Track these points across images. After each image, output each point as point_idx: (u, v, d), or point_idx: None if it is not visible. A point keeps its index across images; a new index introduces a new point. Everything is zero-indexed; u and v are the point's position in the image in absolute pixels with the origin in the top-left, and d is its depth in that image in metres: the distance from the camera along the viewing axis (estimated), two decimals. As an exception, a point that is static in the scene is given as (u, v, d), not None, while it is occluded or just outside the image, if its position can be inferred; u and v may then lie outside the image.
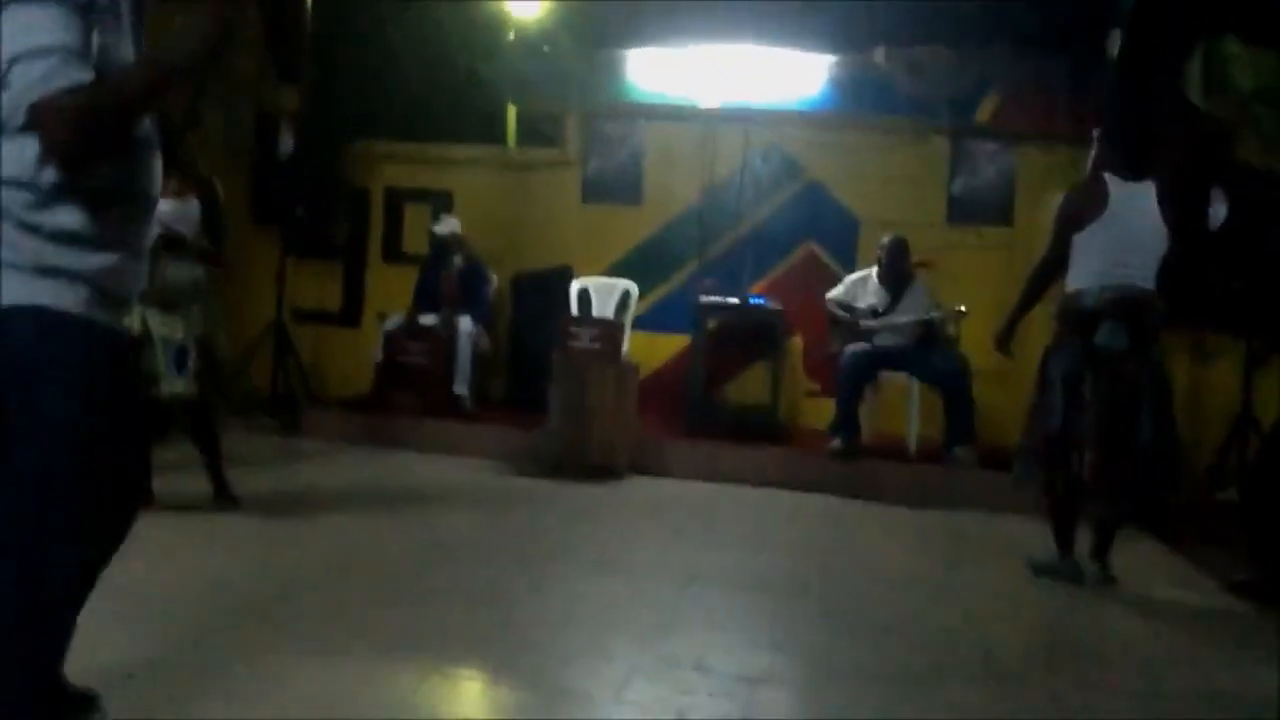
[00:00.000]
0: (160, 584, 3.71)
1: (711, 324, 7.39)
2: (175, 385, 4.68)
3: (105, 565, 2.18)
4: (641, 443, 6.70)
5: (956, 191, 7.80)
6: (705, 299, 7.33)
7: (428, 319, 7.38)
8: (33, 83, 1.77)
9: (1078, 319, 4.52)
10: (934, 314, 6.71)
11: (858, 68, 7.75)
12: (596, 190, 8.34)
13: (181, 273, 4.77)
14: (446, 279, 7.50)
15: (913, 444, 6.74)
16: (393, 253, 8.54)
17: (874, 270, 6.98)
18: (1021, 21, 7.33)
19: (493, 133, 8.20)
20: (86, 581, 2.07)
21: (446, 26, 8.00)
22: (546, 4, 7.80)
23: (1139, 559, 5.36)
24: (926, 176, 7.78)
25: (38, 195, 1.84)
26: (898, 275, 6.85)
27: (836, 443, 6.56)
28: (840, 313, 6.99)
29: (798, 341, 7.87)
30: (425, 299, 7.54)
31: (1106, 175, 4.66)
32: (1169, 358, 7.09)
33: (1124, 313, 4.47)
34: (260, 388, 7.59)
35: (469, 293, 7.47)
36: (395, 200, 8.55)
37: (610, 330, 6.77)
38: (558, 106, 8.23)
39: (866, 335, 6.78)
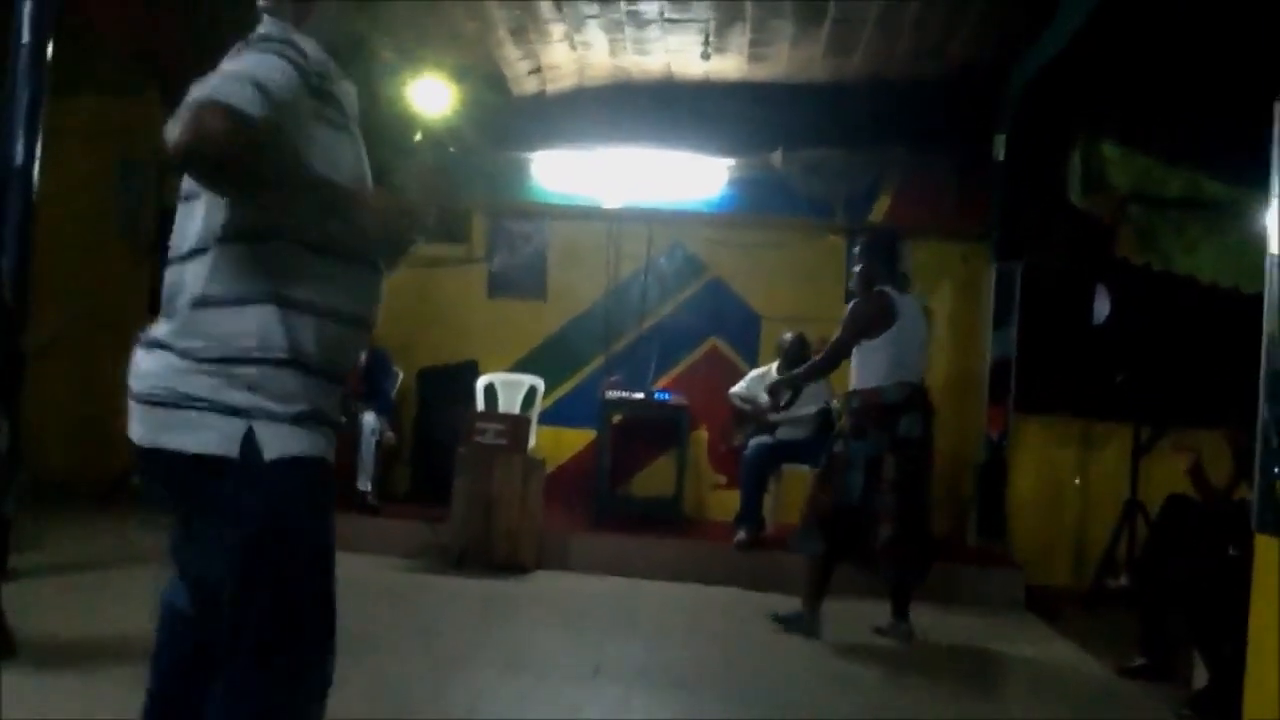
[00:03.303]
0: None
1: (617, 418, 7.44)
2: None
3: None
4: (547, 537, 6.66)
5: (853, 287, 7.99)
6: (611, 394, 7.38)
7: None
8: (200, 89, 1.76)
9: (882, 412, 5.01)
10: (832, 403, 6.84)
11: (756, 169, 7.96)
12: (502, 286, 8.38)
13: None
14: (351, 372, 7.42)
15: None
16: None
17: (774, 365, 7.12)
18: (912, 124, 7.66)
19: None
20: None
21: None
22: (453, 106, 7.91)
23: (1031, 645, 5.47)
24: (824, 272, 7.98)
25: (297, 320, 1.93)
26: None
27: (741, 535, 6.61)
28: (744, 405, 7.10)
29: (702, 435, 7.94)
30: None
31: (887, 289, 5.19)
32: (1061, 446, 7.37)
33: (917, 406, 5.10)
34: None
35: (372, 386, 7.39)
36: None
37: (516, 425, 6.76)
38: (464, 204, 8.30)
39: (769, 428, 6.88)
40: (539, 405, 7.73)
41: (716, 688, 4.32)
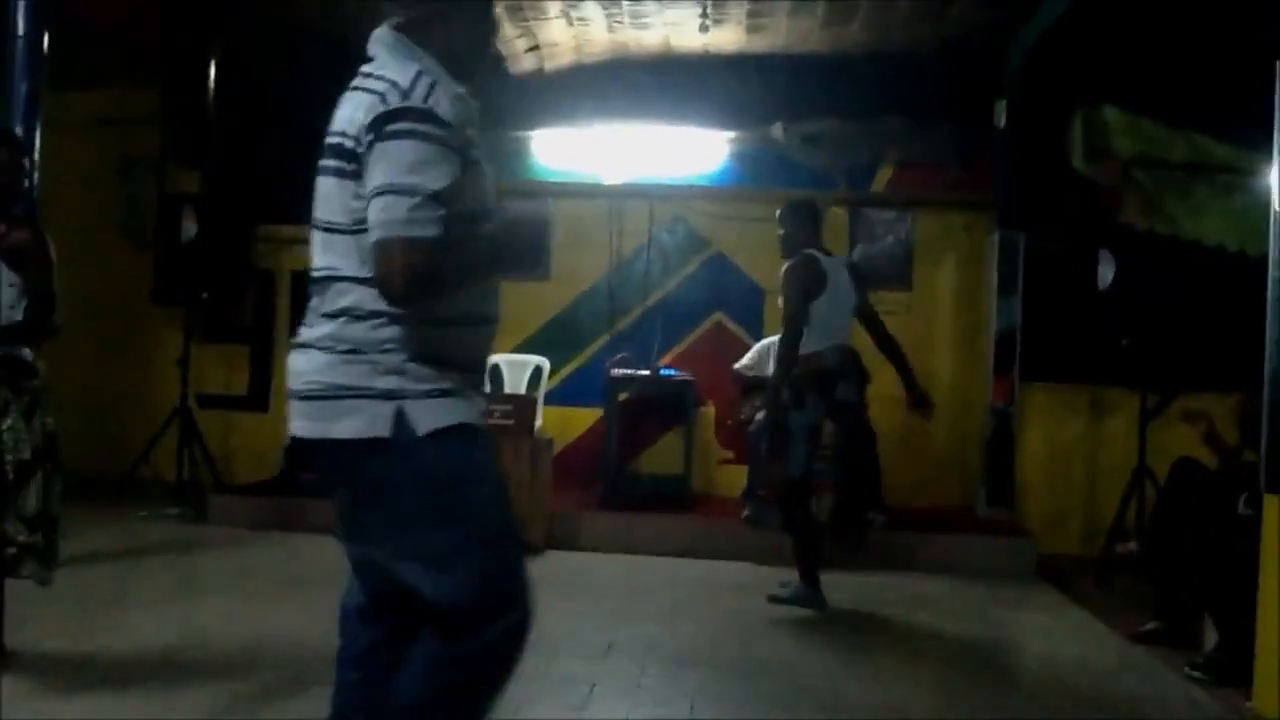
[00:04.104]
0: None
1: (623, 396, 7.43)
2: None
3: None
4: (556, 517, 6.67)
5: (856, 258, 7.96)
6: (616, 372, 7.38)
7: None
8: (390, 220, 1.93)
9: (822, 378, 5.08)
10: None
11: (756, 142, 7.94)
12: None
13: None
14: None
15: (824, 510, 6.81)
16: (301, 334, 8.43)
17: (778, 338, 7.09)
18: (912, 94, 7.62)
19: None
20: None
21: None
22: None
23: (1043, 612, 5.48)
24: (828, 245, 7.93)
25: (435, 332, 2.05)
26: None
27: (749, 511, 6.62)
28: (750, 375, 7.08)
29: (709, 411, 7.94)
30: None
31: (815, 253, 5.22)
32: (1068, 413, 7.37)
33: (853, 370, 5.25)
34: (164, 475, 7.39)
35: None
36: (304, 283, 8.46)
37: (523, 406, 6.77)
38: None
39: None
40: (545, 385, 7.72)
41: (729, 663, 4.34)
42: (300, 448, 2.11)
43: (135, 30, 7.23)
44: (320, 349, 2.06)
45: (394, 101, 1.98)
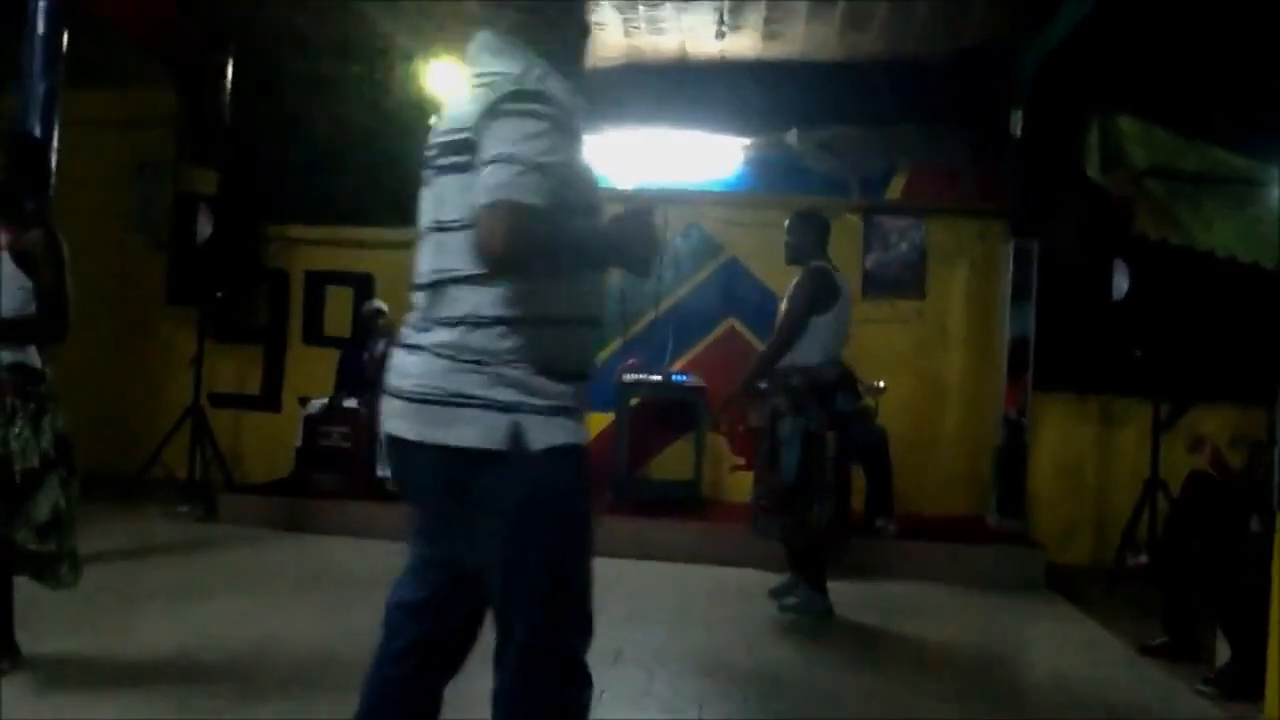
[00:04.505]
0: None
1: (634, 401, 7.43)
2: None
3: None
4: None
5: (870, 266, 7.98)
6: (628, 376, 7.38)
7: (350, 402, 7.33)
8: (496, 185, 1.93)
9: (823, 390, 5.12)
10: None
11: (771, 148, 7.94)
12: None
13: None
14: (370, 360, 7.47)
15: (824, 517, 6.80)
16: (313, 335, 8.48)
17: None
18: (927, 101, 7.62)
19: (410, 215, 8.19)
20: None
21: (367, 109, 8.07)
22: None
23: (1053, 624, 5.46)
24: (841, 252, 7.83)
25: (552, 334, 2.06)
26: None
27: (755, 521, 6.60)
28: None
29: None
30: (348, 381, 7.49)
31: (828, 266, 5.25)
32: (1080, 423, 7.35)
33: (849, 383, 5.39)
34: (176, 473, 7.41)
35: (391, 374, 7.43)
36: (316, 283, 8.51)
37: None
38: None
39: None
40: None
41: (737, 671, 4.34)
42: (398, 447, 2.13)
43: (151, 32, 7.27)
44: (437, 354, 2.05)
45: (505, 87, 2.01)
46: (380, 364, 7.41)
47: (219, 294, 7.53)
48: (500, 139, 1.96)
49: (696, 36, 7.38)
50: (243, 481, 7.77)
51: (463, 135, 2.03)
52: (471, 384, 2.01)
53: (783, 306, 5.29)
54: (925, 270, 7.99)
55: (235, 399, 8.32)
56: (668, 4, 6.91)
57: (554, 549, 2.08)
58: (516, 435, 2.00)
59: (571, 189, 2.05)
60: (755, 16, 7.02)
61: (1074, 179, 6.94)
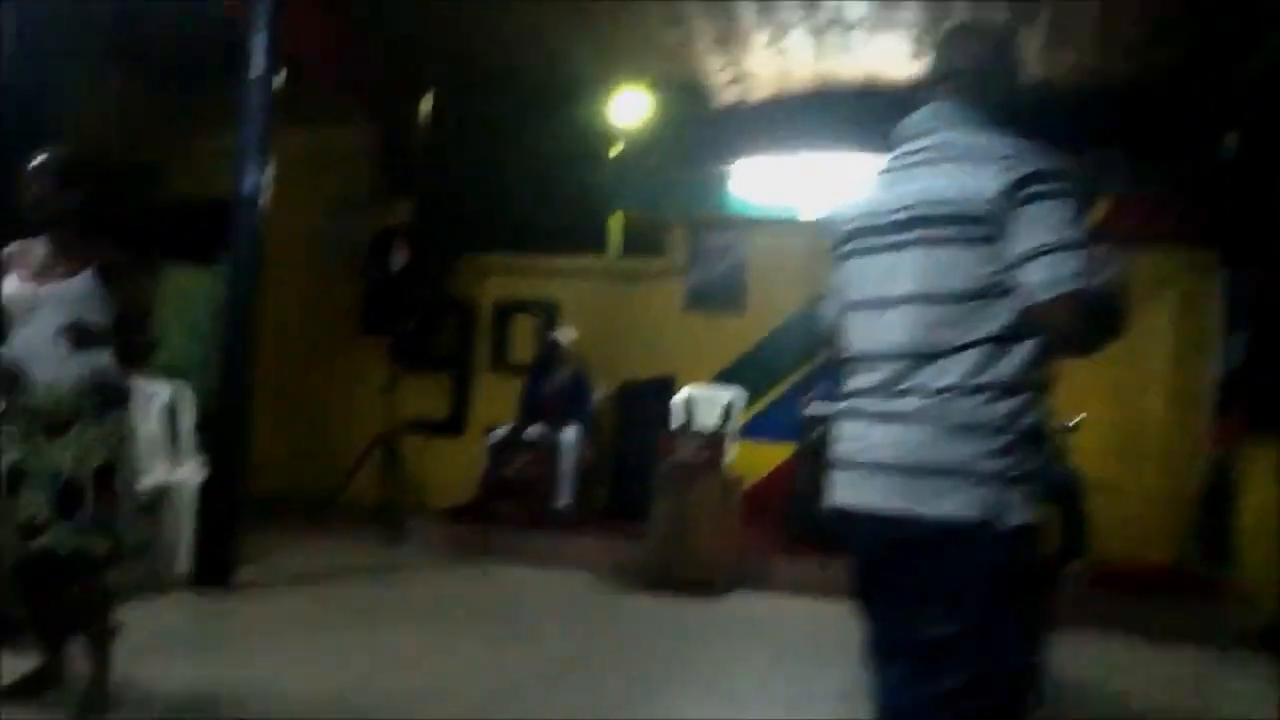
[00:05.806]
0: None
1: (817, 433, 7.25)
2: (58, 536, 3.26)
3: None
4: (745, 556, 6.54)
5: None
6: (813, 408, 7.21)
7: (532, 431, 7.41)
8: (1060, 277, 1.93)
9: None
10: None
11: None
12: (700, 299, 8.37)
13: (69, 377, 3.35)
14: (551, 390, 7.55)
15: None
16: (500, 362, 8.64)
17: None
18: (1134, 125, 7.24)
19: (597, 243, 8.31)
20: None
21: (556, 139, 8.17)
22: (651, 116, 7.92)
23: (1261, 684, 5.01)
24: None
25: (1020, 395, 2.00)
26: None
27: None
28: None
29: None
30: (531, 409, 7.59)
31: None
32: (1253, 466, 6.77)
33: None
34: (365, 499, 7.62)
35: (574, 404, 7.49)
36: (503, 312, 8.68)
37: (714, 442, 6.70)
38: (663, 217, 8.31)
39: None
40: (736, 420, 7.63)
41: None
42: (868, 520, 2.10)
43: (351, 68, 7.54)
44: (919, 423, 2.02)
45: (1027, 166, 2.00)
46: (559, 393, 7.55)
47: (410, 324, 7.74)
48: (1043, 226, 1.96)
49: (889, 60, 7.21)
50: (426, 506, 7.93)
51: (970, 210, 2.00)
52: (956, 454, 1.98)
53: None
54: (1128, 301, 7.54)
55: (421, 425, 8.50)
56: (859, 29, 6.78)
57: (1017, 630, 2.03)
58: (996, 509, 1.96)
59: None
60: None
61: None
